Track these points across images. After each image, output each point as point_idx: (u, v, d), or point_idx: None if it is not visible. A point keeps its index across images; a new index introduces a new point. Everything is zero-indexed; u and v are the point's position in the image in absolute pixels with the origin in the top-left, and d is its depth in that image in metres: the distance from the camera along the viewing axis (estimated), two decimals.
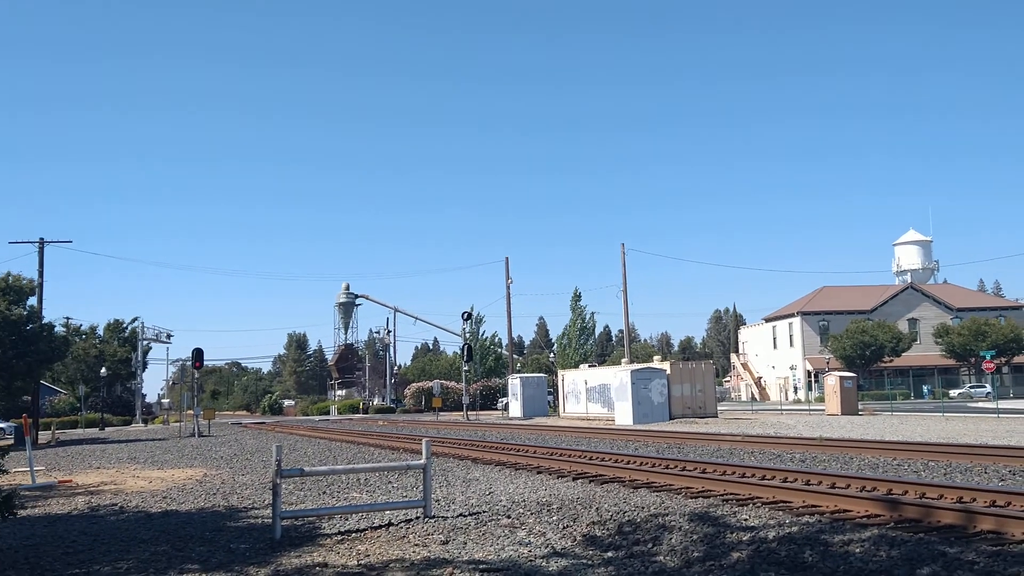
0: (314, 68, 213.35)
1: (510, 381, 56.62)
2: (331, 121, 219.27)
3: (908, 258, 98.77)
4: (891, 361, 75.84)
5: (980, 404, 55.86)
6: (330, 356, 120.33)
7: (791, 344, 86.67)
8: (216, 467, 20.11)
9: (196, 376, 45.79)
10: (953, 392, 71.94)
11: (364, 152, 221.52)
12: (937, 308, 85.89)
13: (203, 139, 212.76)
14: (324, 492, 13.59)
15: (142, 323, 77.33)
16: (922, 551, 7.30)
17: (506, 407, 58.89)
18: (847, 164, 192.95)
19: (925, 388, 74.37)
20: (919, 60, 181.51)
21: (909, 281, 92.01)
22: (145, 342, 77.36)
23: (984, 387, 65.48)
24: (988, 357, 56.43)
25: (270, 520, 9.94)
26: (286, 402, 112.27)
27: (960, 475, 13.65)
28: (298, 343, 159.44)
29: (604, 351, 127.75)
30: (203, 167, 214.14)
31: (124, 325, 78.31)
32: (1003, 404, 50.37)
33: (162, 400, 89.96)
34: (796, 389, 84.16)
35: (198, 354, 39.52)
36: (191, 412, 43.17)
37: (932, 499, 9.98)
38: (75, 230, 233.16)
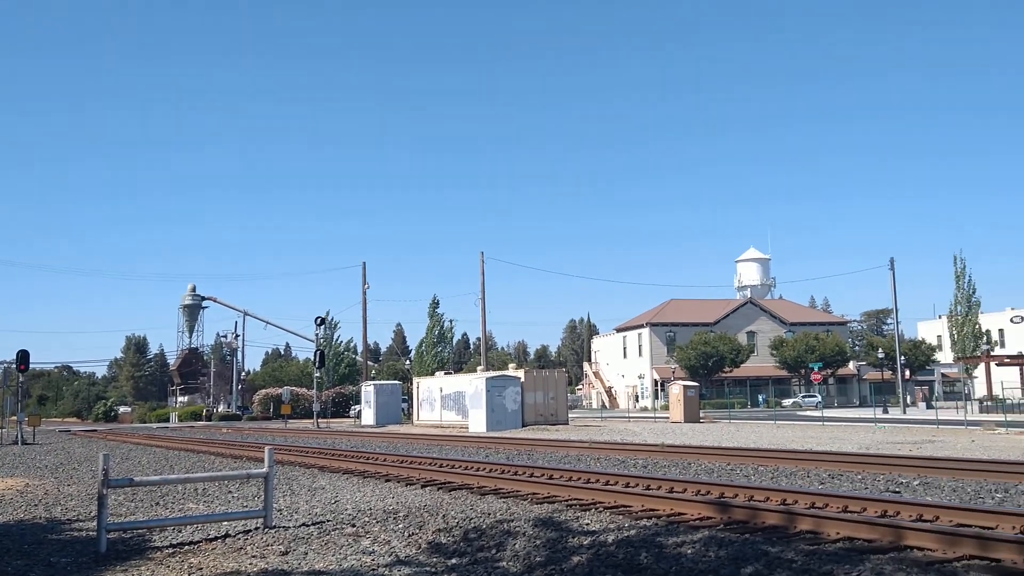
0: (161, 46, 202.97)
1: (364, 388, 55.79)
2: (193, 110, 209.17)
3: (748, 274, 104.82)
4: (731, 371, 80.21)
5: (808, 412, 59.91)
6: (173, 361, 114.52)
7: (640, 354, 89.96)
8: (40, 477, 18.71)
9: (21, 380, 42.48)
10: (786, 401, 76.76)
11: (219, 153, 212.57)
12: (773, 322, 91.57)
13: (28, 132, 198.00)
14: (158, 503, 12.90)
15: None
16: (747, 551, 7.72)
17: (359, 415, 57.98)
18: (694, 181, 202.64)
19: (760, 397, 79.06)
20: (775, 74, 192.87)
21: (749, 296, 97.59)
22: None
23: (815, 396, 70.22)
24: (816, 369, 60.80)
25: (95, 532, 9.33)
26: (122, 409, 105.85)
27: (786, 479, 14.57)
28: (137, 346, 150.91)
29: (462, 359, 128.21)
30: (26, 156, 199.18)
31: None
32: (828, 412, 54.29)
33: None
34: (644, 397, 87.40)
35: (23, 356, 36.67)
36: (15, 418, 40.03)
37: (759, 501, 10.59)
38: None
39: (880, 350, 73.82)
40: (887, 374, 72.29)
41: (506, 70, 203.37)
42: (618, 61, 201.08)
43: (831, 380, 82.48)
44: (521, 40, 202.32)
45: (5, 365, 67.10)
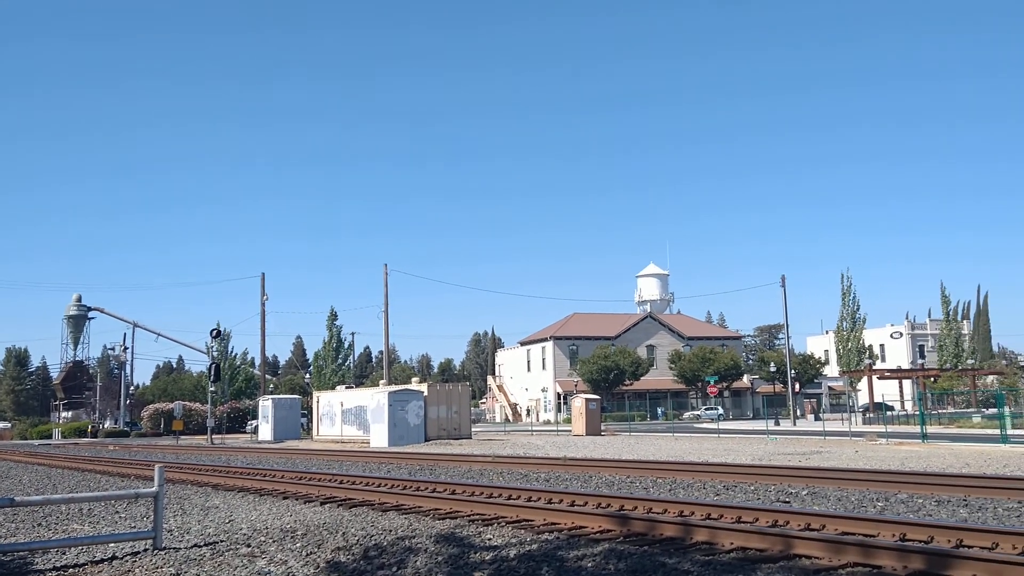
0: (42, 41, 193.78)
1: (261, 402, 54.34)
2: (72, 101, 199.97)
3: (648, 289, 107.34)
4: (631, 384, 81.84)
5: (705, 424, 61.66)
6: (56, 374, 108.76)
7: (543, 367, 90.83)
8: None
9: None
10: (687, 414, 78.71)
11: (102, 152, 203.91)
12: (672, 336, 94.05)
13: None
14: (39, 524, 12.20)
15: None
16: (645, 563, 7.87)
17: (256, 430, 56.41)
18: (596, 194, 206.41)
19: (659, 410, 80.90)
20: (674, 92, 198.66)
21: (648, 311, 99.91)
22: None
23: (716, 409, 72.21)
24: (712, 382, 62.67)
25: None
26: (0, 424, 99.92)
27: (683, 490, 14.94)
28: (18, 359, 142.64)
29: (363, 372, 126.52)
30: None
31: None
32: (723, 425, 56.05)
33: None
34: (547, 410, 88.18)
35: None
36: None
37: (657, 514, 10.82)
38: None
39: (772, 364, 76.72)
40: (779, 387, 75.18)
41: (396, 85, 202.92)
42: (524, 77, 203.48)
43: (727, 393, 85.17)
44: (410, 55, 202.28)
45: None
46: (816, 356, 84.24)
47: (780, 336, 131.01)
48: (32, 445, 57.75)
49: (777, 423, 54.49)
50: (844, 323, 76.73)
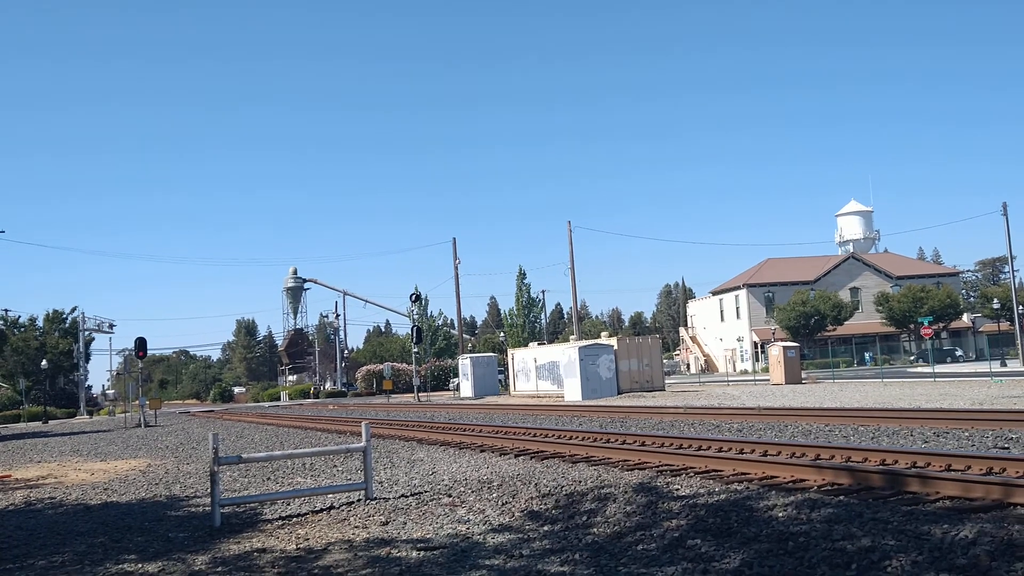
0: (251, 51, 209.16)
1: (460, 361, 56.76)
2: (273, 103, 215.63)
3: (850, 228, 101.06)
4: (834, 330, 77.73)
5: (919, 368, 57.66)
6: (280, 342, 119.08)
7: (738, 316, 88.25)
8: (161, 457, 19.90)
9: (140, 365, 45.05)
10: (911, 358, 73.23)
11: (307, 134, 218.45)
12: (878, 277, 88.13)
13: (141, 126, 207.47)
14: (268, 478, 13.57)
15: (82, 313, 75.73)
16: (840, 513, 7.60)
17: (457, 387, 59.07)
18: (789, 135, 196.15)
19: (867, 355, 76.44)
20: (858, 31, 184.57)
21: (851, 251, 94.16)
22: (87, 332, 75.76)
23: (956, 350, 67.03)
24: (926, 323, 58.28)
25: (210, 508, 9.93)
26: (236, 389, 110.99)
27: (887, 438, 14.16)
28: (247, 329, 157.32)
29: (556, 328, 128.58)
30: (139, 153, 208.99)
31: (64, 316, 76.46)
32: (939, 368, 52.14)
33: (107, 391, 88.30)
34: (743, 360, 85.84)
35: (141, 343, 38.89)
36: (137, 402, 42.51)
37: (856, 463, 10.37)
38: (5, 219, 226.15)
39: (996, 300, 70.22)
40: (1005, 325, 68.71)
41: (591, 17, 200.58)
42: (712, 11, 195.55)
43: (944, 334, 79.00)
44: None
45: (126, 352, 71.13)
46: None
47: (1005, 269, 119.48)
48: (263, 407, 63.81)
49: (1004, 364, 50.00)
50: None
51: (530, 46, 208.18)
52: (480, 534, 8.27)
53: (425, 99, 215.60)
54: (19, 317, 73.06)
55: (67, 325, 75.42)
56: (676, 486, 9.71)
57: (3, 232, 71.49)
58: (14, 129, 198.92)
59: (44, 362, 63.65)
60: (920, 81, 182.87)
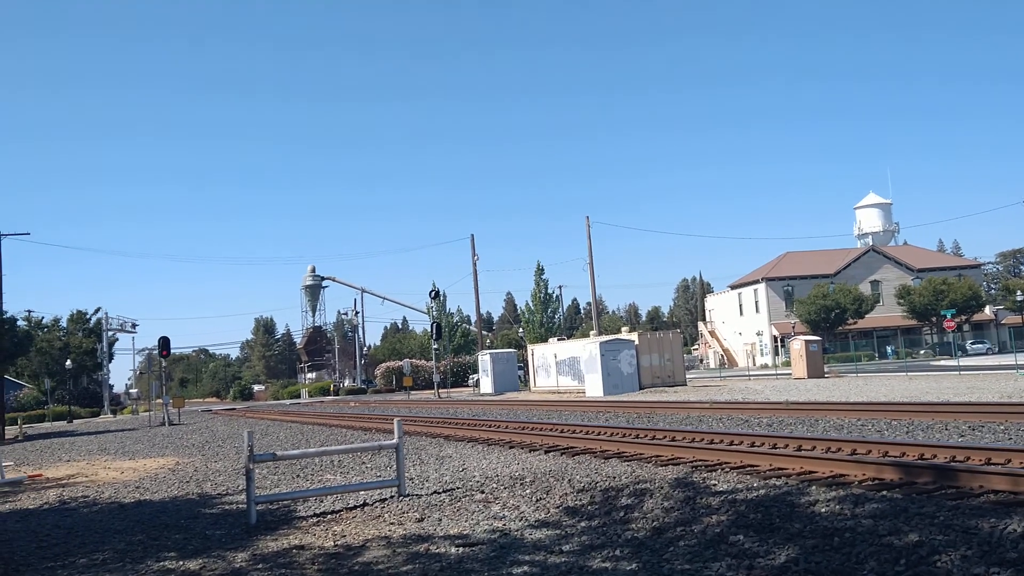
0: (273, 44, 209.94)
1: (480, 357, 56.79)
2: (290, 99, 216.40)
3: (869, 221, 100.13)
4: (855, 323, 77.13)
5: (942, 362, 57.11)
6: (299, 339, 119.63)
7: (757, 310, 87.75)
8: (188, 455, 20.01)
9: (163, 365, 45.36)
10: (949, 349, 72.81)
11: (325, 130, 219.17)
12: (898, 269, 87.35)
13: (160, 121, 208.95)
14: (298, 476, 13.61)
15: (106, 313, 76.38)
16: (885, 508, 7.50)
17: (477, 383, 59.11)
18: (806, 129, 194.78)
19: (888, 348, 75.79)
20: (874, 24, 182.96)
21: (870, 244, 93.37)
22: (110, 332, 76.40)
23: (983, 343, 66.30)
24: (948, 316, 57.70)
25: (245, 505, 9.95)
26: (256, 387, 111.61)
27: (922, 432, 14.02)
28: (266, 327, 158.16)
29: (573, 324, 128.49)
30: (160, 151, 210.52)
31: (88, 316, 77.18)
32: (963, 361, 51.58)
33: (130, 390, 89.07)
34: (763, 354, 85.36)
35: (164, 342, 39.16)
36: (160, 401, 42.81)
37: (895, 457, 10.26)
38: (29, 220, 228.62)
39: (1019, 292, 69.44)
40: None
41: (608, 13, 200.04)
42: (733, 4, 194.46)
43: (966, 327, 78.23)
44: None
45: (149, 351, 71.70)
46: None
47: None
48: (284, 405, 64.11)
49: None
50: None
51: (551, 39, 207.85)
52: (518, 530, 8.24)
53: (443, 95, 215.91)
54: (43, 318, 73.81)
55: (91, 325, 76.12)
56: (713, 481, 9.64)
57: (28, 234, 72.08)
58: (46, 116, 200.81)
59: (68, 362, 64.27)
60: (938, 74, 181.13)
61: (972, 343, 71.78)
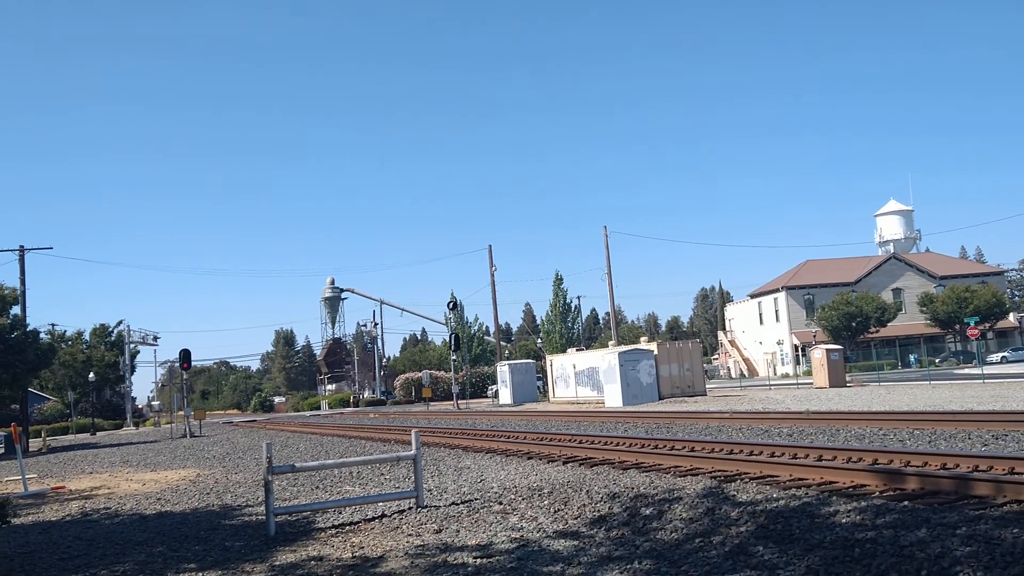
0: (292, 60, 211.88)
1: (499, 368, 56.75)
2: (309, 114, 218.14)
3: (890, 228, 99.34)
4: (877, 332, 76.39)
5: (966, 371, 56.44)
6: (318, 351, 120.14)
7: (777, 319, 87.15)
8: (209, 467, 20.12)
9: (185, 377, 45.68)
10: (993, 357, 71.00)
11: (343, 144, 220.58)
12: (920, 277, 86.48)
13: (182, 136, 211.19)
14: (317, 487, 13.65)
15: (128, 326, 77.05)
16: (907, 519, 7.42)
17: (496, 394, 59.05)
18: (826, 138, 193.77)
19: (912, 357, 74.98)
20: (896, 35, 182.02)
21: (892, 251, 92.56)
22: (132, 345, 77.04)
23: (1022, 350, 65.19)
24: (972, 324, 57.06)
25: (264, 517, 10.00)
26: (276, 399, 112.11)
27: (944, 442, 13.86)
28: (286, 339, 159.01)
29: (592, 334, 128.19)
30: (181, 165, 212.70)
31: (110, 329, 77.88)
32: (987, 370, 50.94)
33: (152, 402, 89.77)
34: (784, 364, 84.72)
35: (185, 355, 39.44)
36: (182, 413, 43.10)
37: (917, 467, 10.14)
38: (53, 234, 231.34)
39: None
40: None
41: (625, 25, 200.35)
42: (748, 16, 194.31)
43: (990, 334, 77.28)
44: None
45: (170, 364, 72.26)
46: None
47: None
48: (304, 416, 64.35)
49: None
50: None
51: (567, 51, 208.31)
52: (536, 541, 8.22)
53: (463, 109, 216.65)
54: (66, 331, 74.55)
55: (113, 338, 76.83)
56: (732, 492, 9.57)
57: (51, 248, 72.95)
58: (71, 134, 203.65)
59: (91, 375, 64.87)
60: (959, 84, 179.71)
61: (1012, 349, 70.42)
